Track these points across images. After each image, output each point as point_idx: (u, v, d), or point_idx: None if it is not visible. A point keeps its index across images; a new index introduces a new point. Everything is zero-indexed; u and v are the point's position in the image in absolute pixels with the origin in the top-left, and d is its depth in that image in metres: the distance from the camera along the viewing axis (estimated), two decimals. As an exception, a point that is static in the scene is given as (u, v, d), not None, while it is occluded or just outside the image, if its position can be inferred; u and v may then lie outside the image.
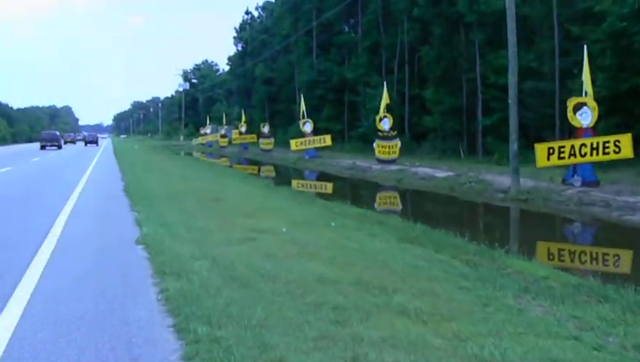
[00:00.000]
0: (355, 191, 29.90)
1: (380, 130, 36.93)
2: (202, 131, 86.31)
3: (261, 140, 59.35)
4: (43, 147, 65.60)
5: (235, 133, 67.72)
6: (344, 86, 58.18)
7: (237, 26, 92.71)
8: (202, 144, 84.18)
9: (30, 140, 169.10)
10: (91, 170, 28.49)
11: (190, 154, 73.03)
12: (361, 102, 54.21)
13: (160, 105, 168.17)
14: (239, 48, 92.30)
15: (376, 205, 23.56)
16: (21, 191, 18.60)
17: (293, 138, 48.43)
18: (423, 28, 46.11)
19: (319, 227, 12.49)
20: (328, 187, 31.83)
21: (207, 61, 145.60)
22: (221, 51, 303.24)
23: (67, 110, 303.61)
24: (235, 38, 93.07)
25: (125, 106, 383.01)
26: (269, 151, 58.14)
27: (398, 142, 36.27)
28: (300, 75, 64.67)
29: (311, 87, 60.17)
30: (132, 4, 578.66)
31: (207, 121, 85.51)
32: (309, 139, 46.02)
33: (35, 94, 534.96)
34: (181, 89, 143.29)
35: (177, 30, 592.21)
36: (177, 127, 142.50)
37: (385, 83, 39.56)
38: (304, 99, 48.70)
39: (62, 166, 34.00)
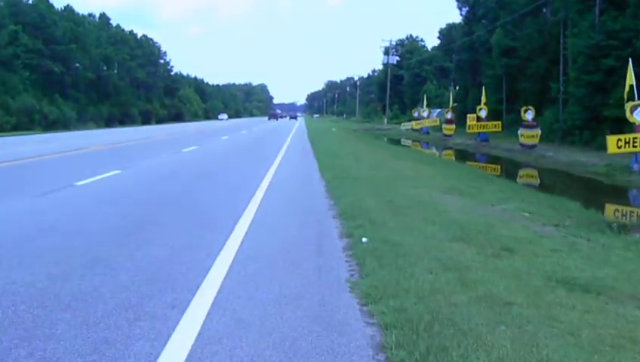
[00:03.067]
0: None
1: None
2: (416, 114, 68.01)
3: (522, 131, 39.85)
4: (269, 118, 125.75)
5: (470, 119, 48.72)
6: (652, 54, 37.22)
7: (461, -13, 73.05)
8: (415, 130, 65.98)
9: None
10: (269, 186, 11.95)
11: (397, 141, 55.58)
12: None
13: (358, 83, 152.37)
14: (463, 13, 72.74)
15: None
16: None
17: (610, 134, 28.14)
18: None
19: None
20: None
21: (411, 36, 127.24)
22: (426, 27, 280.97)
23: (262, 88, 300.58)
24: (458, 1, 73.45)
25: (318, 86, 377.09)
26: (532, 147, 38.65)
27: None
28: (573, 39, 44.04)
29: (592, 56, 39.88)
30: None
31: (424, 103, 66.81)
32: (643, 136, 25.97)
33: (232, 72, 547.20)
34: (381, 66, 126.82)
35: (375, 11, 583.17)
36: (375, 108, 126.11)
37: None
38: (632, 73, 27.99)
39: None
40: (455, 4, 73.98)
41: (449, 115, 56.16)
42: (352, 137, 50.36)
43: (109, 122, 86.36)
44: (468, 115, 49.81)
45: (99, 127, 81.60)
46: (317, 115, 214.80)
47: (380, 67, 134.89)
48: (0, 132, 58.79)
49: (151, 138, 40.67)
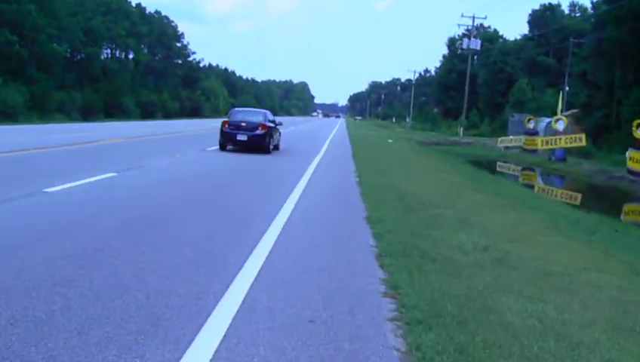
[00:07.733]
0: None
1: None
2: (531, 124, 39.47)
3: None
4: (323, 117, 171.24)
5: None
6: None
7: None
8: (527, 150, 37.77)
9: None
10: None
11: (503, 174, 28.34)
12: None
13: (414, 82, 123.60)
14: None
15: None
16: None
17: None
18: None
19: None
20: None
21: (481, 25, 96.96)
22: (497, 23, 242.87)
23: (303, 86, 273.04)
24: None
25: (362, 87, 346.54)
26: None
27: None
28: None
29: None
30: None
31: (559, 109, 37.26)
32: None
33: (274, 68, 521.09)
34: (438, 64, 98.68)
35: (423, 13, 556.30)
36: (429, 112, 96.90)
37: None
38: None
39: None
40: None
41: (641, 132, 26.94)
42: (437, 163, 22.43)
43: (88, 115, 59.41)
44: None
45: (72, 120, 55.03)
46: (359, 118, 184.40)
47: (437, 65, 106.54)
48: None
49: None
